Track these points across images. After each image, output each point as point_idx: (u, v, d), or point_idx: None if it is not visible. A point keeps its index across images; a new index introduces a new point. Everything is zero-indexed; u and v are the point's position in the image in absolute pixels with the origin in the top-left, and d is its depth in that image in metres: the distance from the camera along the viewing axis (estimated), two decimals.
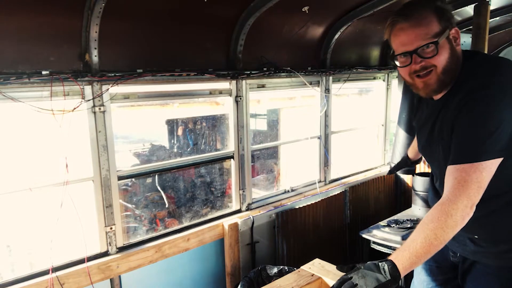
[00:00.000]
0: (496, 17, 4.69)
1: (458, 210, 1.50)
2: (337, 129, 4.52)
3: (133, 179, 3.83)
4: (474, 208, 1.53)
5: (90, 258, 2.75)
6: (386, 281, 1.49)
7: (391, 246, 3.33)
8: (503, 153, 1.56)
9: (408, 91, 3.77)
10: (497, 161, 1.56)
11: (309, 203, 3.95)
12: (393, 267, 1.51)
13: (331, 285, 2.07)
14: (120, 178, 2.89)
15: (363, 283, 1.49)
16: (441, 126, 1.75)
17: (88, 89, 2.62)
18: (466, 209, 1.51)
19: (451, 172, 1.59)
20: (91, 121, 2.67)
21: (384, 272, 1.52)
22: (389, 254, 2.97)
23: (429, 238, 1.50)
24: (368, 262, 1.59)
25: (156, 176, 3.97)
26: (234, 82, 3.42)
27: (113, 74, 2.67)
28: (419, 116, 2.01)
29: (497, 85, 1.57)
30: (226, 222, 3.45)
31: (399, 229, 3.50)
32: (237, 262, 3.51)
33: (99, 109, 2.67)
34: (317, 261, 2.28)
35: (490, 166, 1.55)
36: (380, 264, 1.54)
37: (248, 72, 3.44)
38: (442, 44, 1.64)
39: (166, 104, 3.63)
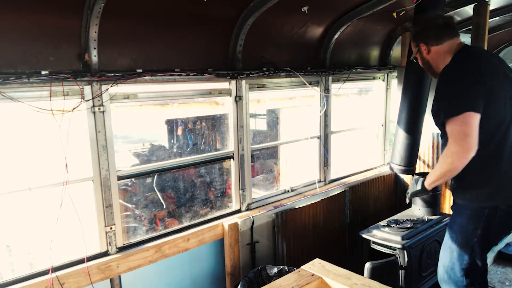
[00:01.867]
0: (495, 17, 4.69)
1: (453, 152, 2.31)
2: (337, 129, 4.52)
3: (133, 179, 3.83)
4: (469, 149, 2.27)
5: (90, 258, 2.74)
6: (418, 190, 2.77)
7: (391, 246, 3.33)
8: (478, 110, 2.27)
9: (408, 91, 3.77)
10: (475, 115, 2.27)
11: (309, 203, 3.95)
12: (423, 183, 2.70)
13: (331, 285, 2.09)
14: (120, 178, 2.89)
15: (411, 187, 2.84)
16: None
17: (87, 89, 2.62)
18: (459, 150, 2.28)
19: (447, 127, 2.37)
20: (91, 121, 2.67)
21: (418, 185, 2.77)
22: (390, 254, 3.00)
23: (440, 169, 2.47)
24: (415, 177, 2.86)
25: (156, 176, 3.97)
26: (233, 82, 3.42)
27: (112, 74, 2.67)
28: None
29: (457, 72, 2.45)
30: (226, 222, 3.45)
31: (399, 229, 3.49)
32: (237, 262, 3.51)
33: (99, 109, 2.67)
34: (317, 261, 2.29)
35: (470, 118, 2.27)
36: (420, 179, 2.77)
37: (248, 72, 3.44)
38: (417, 55, 2.76)
39: (166, 104, 3.62)
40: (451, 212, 2.72)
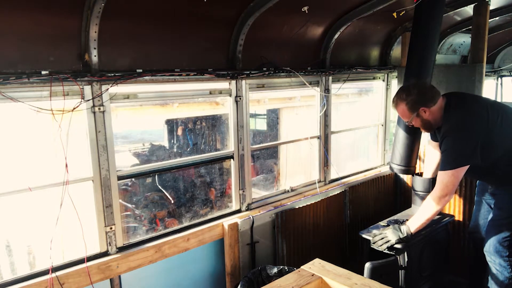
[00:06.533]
0: (495, 17, 4.69)
1: (440, 199, 2.98)
2: (337, 129, 4.52)
3: (133, 179, 3.83)
4: (450, 194, 2.96)
5: (90, 258, 2.74)
6: (405, 237, 3.08)
7: (391, 246, 3.33)
8: (469, 162, 2.90)
9: None
10: (463, 168, 2.91)
11: (309, 203, 3.95)
12: (408, 229, 3.10)
13: (331, 285, 2.09)
14: (120, 178, 2.89)
15: (390, 235, 3.12)
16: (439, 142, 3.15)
17: (87, 89, 2.62)
18: (443, 197, 2.96)
19: (438, 174, 3.02)
20: (91, 121, 2.67)
21: (402, 231, 3.09)
22: (390, 254, 3.01)
23: (427, 214, 3.08)
24: (395, 224, 3.23)
25: (156, 176, 3.98)
26: (233, 82, 3.41)
27: (112, 74, 2.67)
28: (436, 134, 3.32)
29: (459, 131, 2.94)
30: (226, 222, 3.45)
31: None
32: (237, 262, 3.51)
33: (99, 109, 2.67)
34: (317, 261, 2.28)
35: (458, 172, 2.91)
36: (401, 226, 3.14)
37: (248, 72, 3.44)
38: (414, 119, 3.09)
39: (166, 104, 3.63)
40: (451, 212, 2.77)
